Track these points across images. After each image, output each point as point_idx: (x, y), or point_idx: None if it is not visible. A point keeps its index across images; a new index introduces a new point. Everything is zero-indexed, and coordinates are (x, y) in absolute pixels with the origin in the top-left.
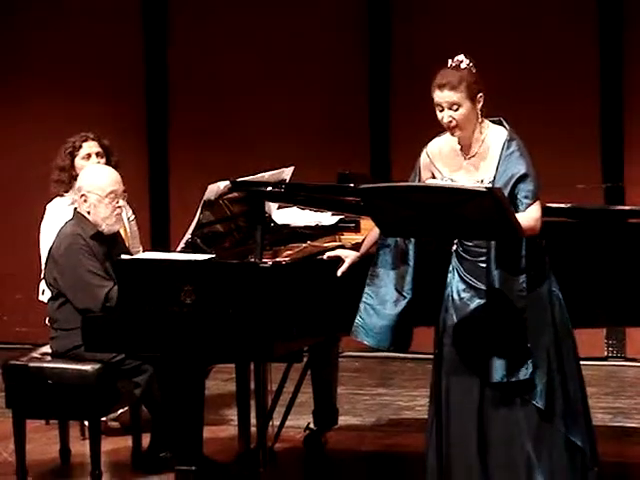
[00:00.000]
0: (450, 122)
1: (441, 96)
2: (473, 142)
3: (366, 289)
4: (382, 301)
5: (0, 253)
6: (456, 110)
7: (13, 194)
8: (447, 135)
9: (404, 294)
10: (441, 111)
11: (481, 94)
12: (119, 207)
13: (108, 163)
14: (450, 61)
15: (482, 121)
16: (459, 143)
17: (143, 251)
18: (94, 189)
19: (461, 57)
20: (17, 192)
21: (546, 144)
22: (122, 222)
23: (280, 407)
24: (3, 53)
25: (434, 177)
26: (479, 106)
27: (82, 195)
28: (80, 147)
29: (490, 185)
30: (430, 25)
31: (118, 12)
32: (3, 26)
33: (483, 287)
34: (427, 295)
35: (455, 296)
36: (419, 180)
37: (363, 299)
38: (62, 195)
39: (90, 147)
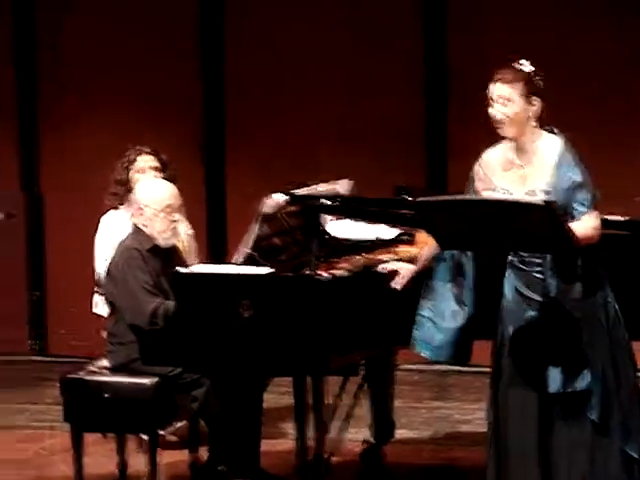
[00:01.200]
0: (496, 116)
1: (492, 89)
2: (527, 151)
3: (422, 302)
4: (440, 314)
5: (55, 266)
6: (505, 105)
7: (69, 207)
8: (501, 145)
9: (463, 307)
10: (492, 106)
11: (537, 99)
12: (175, 221)
13: (164, 177)
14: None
15: (536, 128)
16: (512, 151)
17: (200, 264)
18: (150, 203)
19: (524, 60)
20: (73, 205)
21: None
22: (179, 236)
23: (337, 420)
24: (63, 69)
25: (489, 188)
26: (533, 109)
27: (139, 208)
28: (135, 161)
29: (546, 198)
30: (486, 34)
31: (175, 24)
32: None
33: (539, 298)
34: (485, 307)
35: (511, 307)
36: (473, 191)
37: (420, 312)
38: (117, 208)
39: (145, 161)
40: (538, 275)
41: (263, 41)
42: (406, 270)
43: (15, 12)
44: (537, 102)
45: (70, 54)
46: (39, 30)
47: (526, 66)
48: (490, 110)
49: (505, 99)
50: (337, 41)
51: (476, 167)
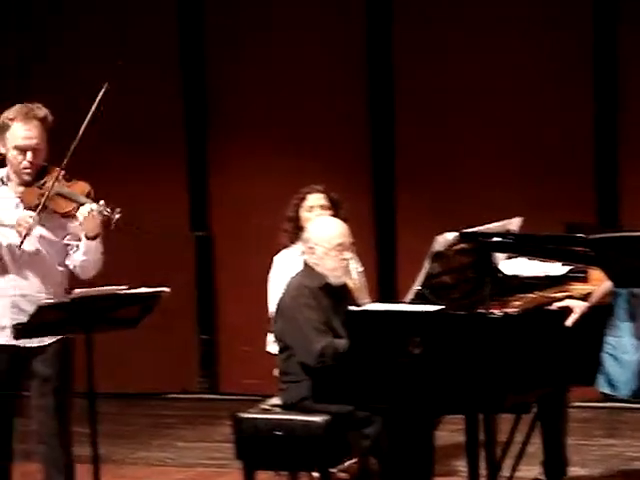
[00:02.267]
0: None
1: None
2: None
3: (607, 339)
4: (624, 351)
5: (229, 305)
6: None
7: (241, 245)
8: None
9: None
10: None
11: None
12: (346, 259)
13: (335, 216)
14: None
15: None
16: None
17: (371, 303)
18: (321, 241)
19: None
20: (245, 243)
21: None
22: (349, 274)
23: (509, 458)
24: (231, 111)
25: None
26: None
27: (310, 247)
28: (305, 199)
29: None
30: None
31: (344, 66)
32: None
33: None
34: None
35: None
36: None
37: (605, 349)
38: (289, 246)
39: (315, 199)
40: None
41: (429, 83)
42: (578, 307)
43: (183, 65)
44: None
45: (236, 100)
46: (208, 80)
47: None
48: None
49: None
50: (502, 80)
51: None
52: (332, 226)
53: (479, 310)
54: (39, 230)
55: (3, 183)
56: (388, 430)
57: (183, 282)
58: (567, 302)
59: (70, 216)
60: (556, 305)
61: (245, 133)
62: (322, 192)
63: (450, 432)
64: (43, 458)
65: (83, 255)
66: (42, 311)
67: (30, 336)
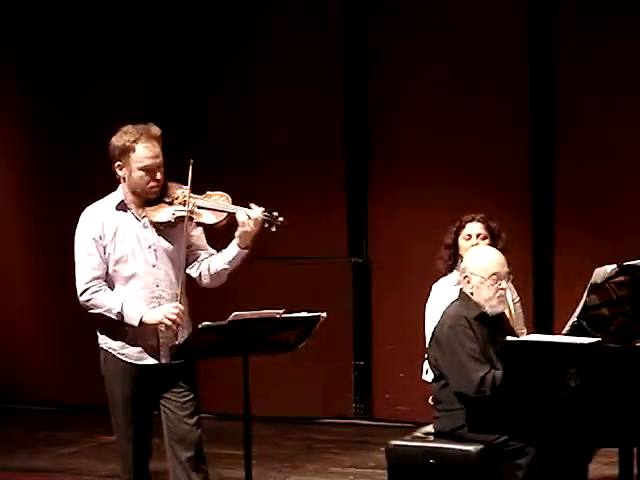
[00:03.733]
0: None
1: None
2: None
3: None
4: None
5: (386, 332)
6: None
7: (399, 273)
8: None
9: None
10: None
11: None
12: (502, 289)
13: (493, 245)
14: None
15: None
16: None
17: (527, 333)
18: (477, 270)
19: None
20: (403, 271)
21: None
22: (506, 303)
23: None
24: (392, 141)
25: None
26: None
27: (465, 276)
28: (464, 227)
29: None
30: None
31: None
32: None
33: None
34: None
35: None
36: None
37: None
38: (445, 274)
39: (473, 228)
40: None
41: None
42: None
43: (347, 96)
44: None
45: (397, 130)
46: (370, 110)
47: None
48: None
49: None
50: None
51: None
52: (488, 255)
53: (636, 343)
54: (163, 243)
55: (124, 210)
56: (542, 461)
57: (341, 308)
58: None
59: (219, 227)
60: None
61: (405, 163)
62: (480, 221)
63: (603, 464)
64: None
65: (226, 264)
66: (199, 333)
67: (186, 358)
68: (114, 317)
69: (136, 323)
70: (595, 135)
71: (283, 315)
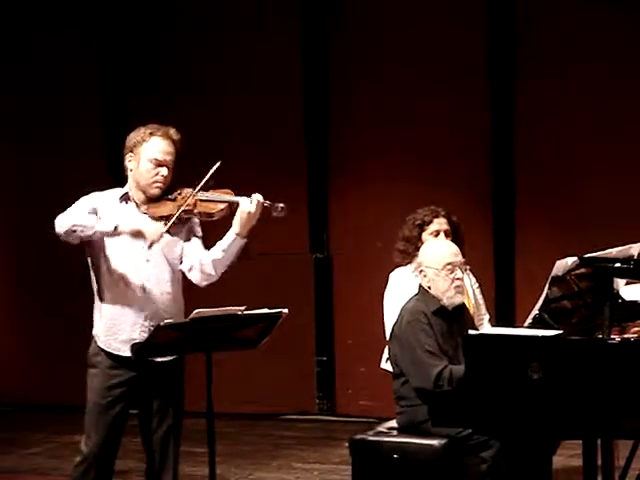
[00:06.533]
0: None
1: None
2: None
3: None
4: None
5: (348, 327)
6: None
7: (358, 268)
8: None
9: None
10: None
11: None
12: (459, 279)
13: (453, 240)
14: None
15: None
16: None
17: (489, 321)
18: (431, 263)
19: None
20: (358, 265)
21: None
22: (465, 294)
23: None
24: (350, 141)
25: None
26: None
27: (421, 270)
28: (430, 222)
29: None
30: None
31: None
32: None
33: None
34: None
35: None
36: None
37: None
38: (403, 265)
39: (440, 224)
40: None
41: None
42: None
43: (307, 98)
44: None
45: (355, 130)
46: (332, 111)
47: None
48: None
49: None
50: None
51: None
52: (440, 247)
53: (598, 335)
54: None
55: (126, 202)
56: (506, 454)
57: (302, 304)
58: None
59: (220, 215)
60: None
61: (363, 161)
62: (445, 217)
63: (567, 457)
64: (149, 477)
65: (223, 252)
66: (161, 331)
67: (148, 355)
68: (89, 232)
69: (110, 228)
70: (552, 134)
71: (245, 312)
